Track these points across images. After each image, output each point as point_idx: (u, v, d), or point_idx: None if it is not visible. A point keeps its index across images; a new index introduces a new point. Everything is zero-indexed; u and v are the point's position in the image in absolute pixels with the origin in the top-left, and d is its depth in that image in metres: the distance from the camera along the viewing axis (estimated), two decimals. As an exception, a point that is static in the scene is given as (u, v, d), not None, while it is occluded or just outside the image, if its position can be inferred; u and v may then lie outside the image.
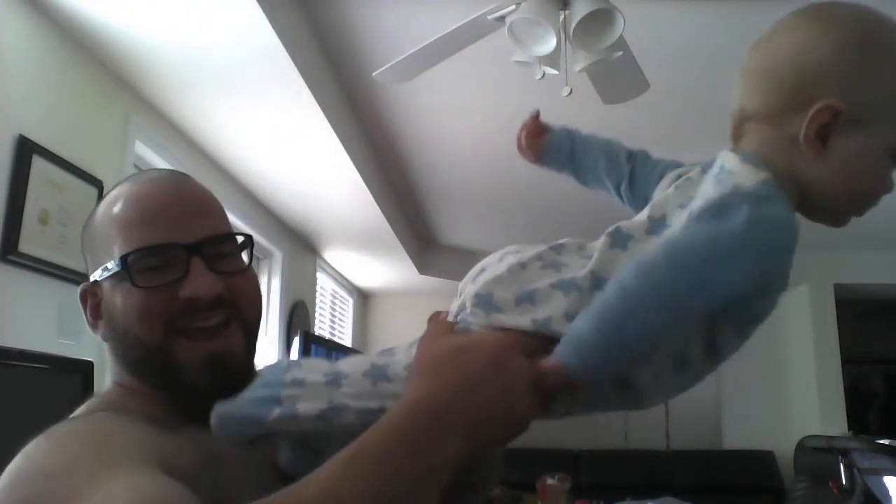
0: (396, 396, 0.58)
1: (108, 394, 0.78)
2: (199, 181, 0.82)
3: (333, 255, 5.30)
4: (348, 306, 6.25)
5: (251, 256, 0.80)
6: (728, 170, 0.59)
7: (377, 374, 0.61)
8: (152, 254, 0.72)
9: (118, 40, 2.26)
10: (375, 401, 0.59)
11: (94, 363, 2.19)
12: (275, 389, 0.60)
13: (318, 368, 0.62)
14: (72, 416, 0.72)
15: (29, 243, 2.00)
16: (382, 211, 4.12)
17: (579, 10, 1.91)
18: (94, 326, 0.78)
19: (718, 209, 0.54)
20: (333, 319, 5.83)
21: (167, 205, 0.75)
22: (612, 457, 5.63)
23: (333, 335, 5.76)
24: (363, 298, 6.62)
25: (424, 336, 0.63)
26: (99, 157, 2.38)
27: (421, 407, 0.54)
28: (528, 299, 0.59)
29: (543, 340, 0.58)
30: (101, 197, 2.33)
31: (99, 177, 2.35)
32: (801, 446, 5.04)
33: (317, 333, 4.94)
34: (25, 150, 2.01)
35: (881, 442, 4.03)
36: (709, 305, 0.54)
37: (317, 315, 5.16)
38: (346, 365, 0.63)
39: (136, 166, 2.69)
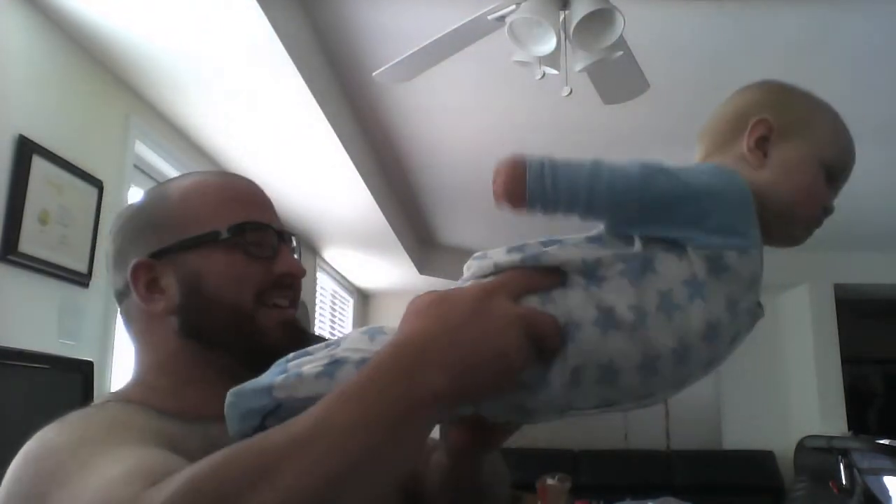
0: None
1: (125, 390, 0.80)
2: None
3: (333, 255, 5.30)
4: (348, 306, 6.25)
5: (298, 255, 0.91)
6: None
7: (373, 332, 0.65)
8: (258, 228, 0.81)
9: (118, 40, 2.26)
10: (374, 350, 0.60)
11: (94, 363, 2.20)
12: (281, 365, 0.64)
13: (319, 346, 0.67)
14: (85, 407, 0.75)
15: (29, 243, 2.00)
16: (382, 211, 4.12)
17: (579, 10, 1.91)
18: (148, 300, 0.78)
19: (696, 165, 0.70)
20: (333, 319, 5.83)
21: (256, 194, 0.85)
22: (612, 457, 5.64)
23: (333, 335, 5.76)
24: (363, 298, 6.62)
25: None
26: (99, 157, 2.38)
27: (404, 345, 0.56)
28: (518, 249, 0.65)
29: (531, 277, 0.62)
30: (101, 197, 2.34)
31: (99, 177, 2.35)
32: (801, 446, 5.04)
33: (317, 333, 4.93)
34: (25, 150, 2.01)
35: (881, 442, 4.03)
36: (676, 190, 0.62)
37: (317, 315, 5.16)
38: (344, 335, 0.68)
39: (136, 166, 2.70)
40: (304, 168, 3.44)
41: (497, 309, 0.57)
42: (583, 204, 0.62)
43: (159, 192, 0.85)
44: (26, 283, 2.03)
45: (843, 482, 3.98)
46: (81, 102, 2.33)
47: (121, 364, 2.53)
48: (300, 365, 0.62)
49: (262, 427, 0.60)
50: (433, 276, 5.76)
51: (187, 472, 0.49)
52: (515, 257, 0.63)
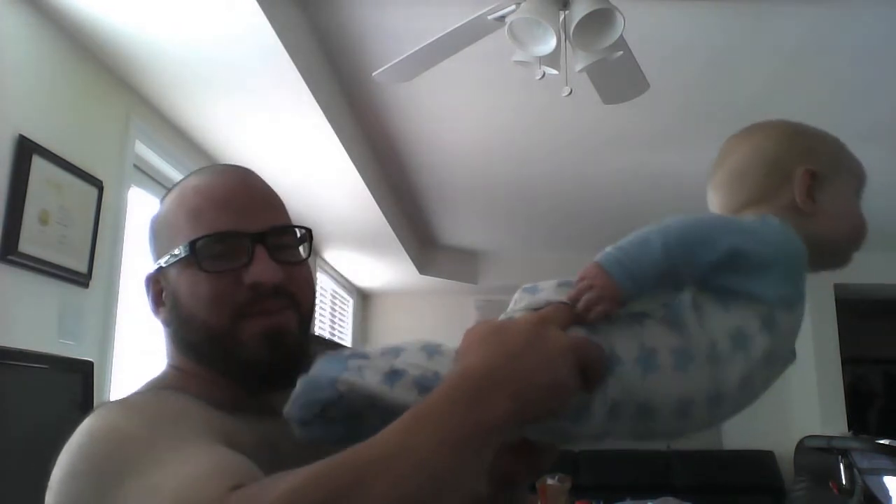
0: (449, 367, 0.64)
1: (165, 376, 0.80)
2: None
3: (333, 255, 5.30)
4: (348, 306, 6.25)
5: (310, 249, 0.84)
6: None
7: (431, 350, 0.68)
8: (219, 240, 0.75)
9: (118, 40, 2.26)
10: (431, 368, 0.65)
11: (94, 363, 2.19)
12: (341, 361, 0.66)
13: (375, 347, 0.69)
14: (135, 392, 0.75)
15: (29, 243, 2.00)
16: (382, 211, 4.12)
17: (579, 10, 1.91)
18: (156, 312, 0.82)
19: (762, 222, 0.72)
20: (333, 319, 5.83)
21: (234, 195, 0.79)
22: (612, 457, 5.63)
23: (333, 335, 5.76)
24: (363, 298, 6.62)
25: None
26: (99, 157, 2.38)
27: (470, 373, 0.59)
28: (567, 285, 0.68)
29: (577, 315, 0.65)
30: (101, 197, 2.34)
31: (99, 177, 2.35)
32: (801, 446, 5.03)
33: (317, 333, 4.94)
34: (25, 150, 2.01)
35: (881, 442, 4.03)
36: (718, 248, 0.65)
37: (317, 315, 5.16)
38: (401, 344, 0.69)
39: (136, 166, 2.70)
40: (303, 168, 3.44)
41: (551, 338, 0.61)
42: (664, 265, 0.64)
43: (161, 203, 0.84)
44: (26, 283, 2.03)
45: (843, 482, 3.98)
46: (81, 102, 2.33)
47: (121, 364, 2.53)
48: (361, 368, 0.65)
49: (321, 415, 0.64)
50: (433, 276, 5.76)
51: (286, 483, 0.52)
52: (563, 297, 0.66)
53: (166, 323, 0.80)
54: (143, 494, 0.57)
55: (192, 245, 0.75)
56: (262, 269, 0.75)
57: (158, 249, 0.81)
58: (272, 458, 0.65)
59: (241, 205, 0.78)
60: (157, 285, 0.81)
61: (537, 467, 0.73)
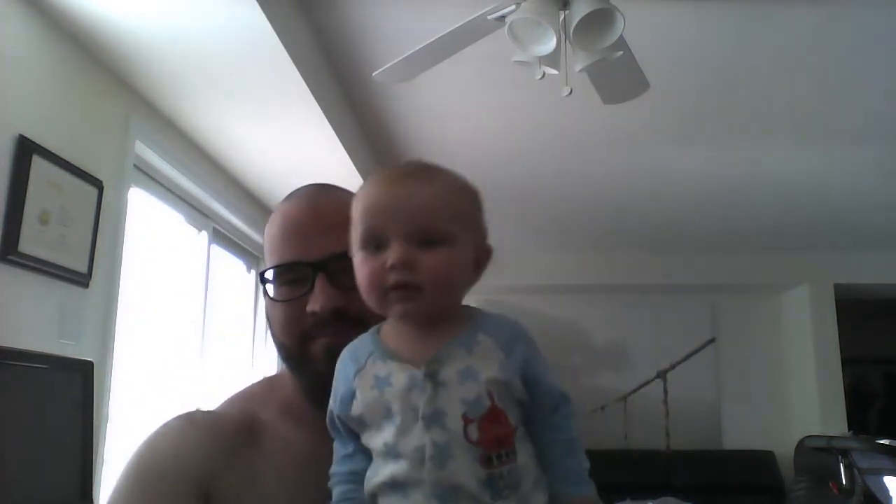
0: None
1: (270, 378, 0.94)
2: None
3: (333, 255, 5.29)
4: (348, 306, 6.24)
5: None
6: None
7: None
8: (284, 271, 0.83)
9: (118, 40, 2.26)
10: None
11: (94, 363, 2.19)
12: None
13: None
14: (214, 407, 0.89)
15: (29, 243, 2.00)
16: (382, 211, 4.12)
17: (579, 10, 1.91)
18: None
19: None
20: (333, 319, 5.82)
21: (301, 222, 0.84)
22: (612, 457, 5.62)
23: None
24: (363, 298, 6.60)
25: None
26: (99, 157, 2.38)
27: None
28: None
29: None
30: (101, 197, 2.34)
31: (99, 177, 2.35)
32: (801, 446, 5.04)
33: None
34: (25, 150, 2.00)
35: (881, 442, 4.04)
36: None
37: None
38: None
39: (136, 166, 2.70)
40: (304, 168, 3.44)
41: None
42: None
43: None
44: (26, 283, 2.03)
45: (843, 482, 3.99)
46: (81, 102, 2.33)
47: (121, 364, 2.53)
48: None
49: None
50: (433, 276, 5.74)
51: None
52: None
53: (271, 333, 0.88)
54: None
55: (262, 275, 0.85)
56: (319, 298, 0.80)
57: None
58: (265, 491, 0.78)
59: (306, 232, 0.83)
60: None
61: None
